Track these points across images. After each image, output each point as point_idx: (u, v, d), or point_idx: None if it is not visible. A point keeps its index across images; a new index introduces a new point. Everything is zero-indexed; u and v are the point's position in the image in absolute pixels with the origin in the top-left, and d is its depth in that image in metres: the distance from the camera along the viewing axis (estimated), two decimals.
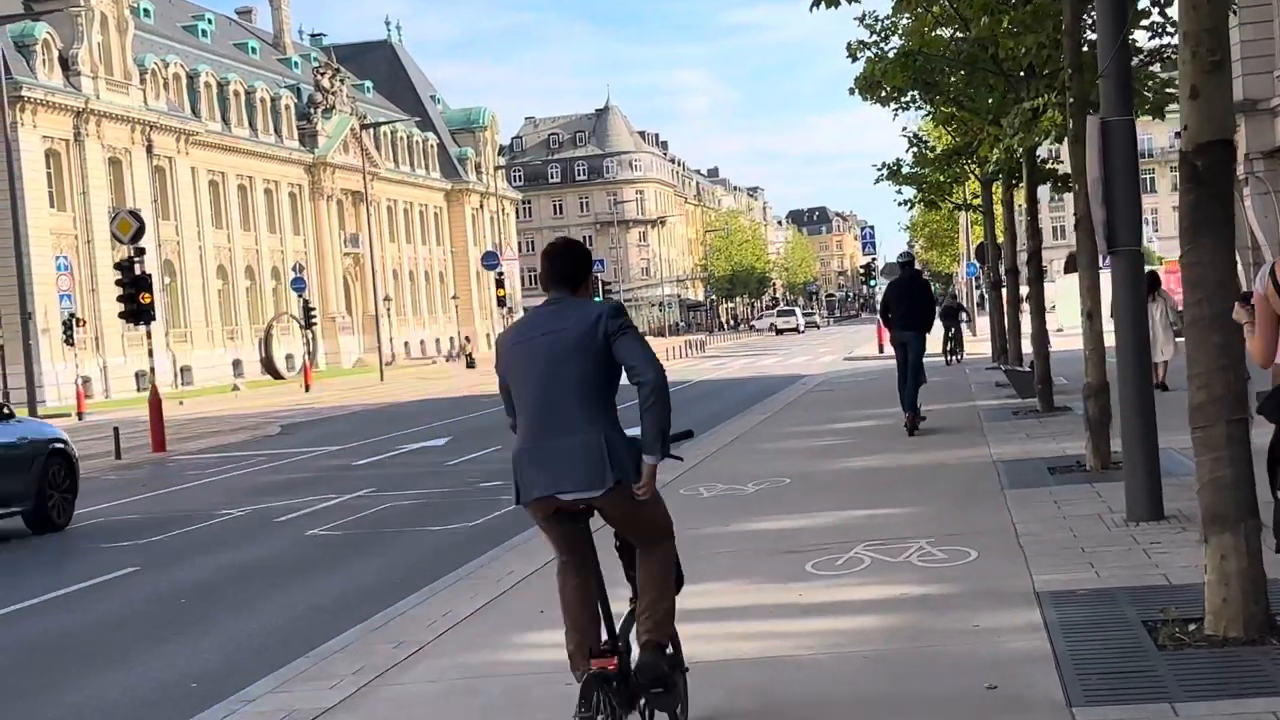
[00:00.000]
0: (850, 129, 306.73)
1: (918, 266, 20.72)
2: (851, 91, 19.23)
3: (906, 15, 22.15)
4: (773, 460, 15.33)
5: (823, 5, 15.57)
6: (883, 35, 19.17)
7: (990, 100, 18.21)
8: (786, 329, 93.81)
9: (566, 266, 5.03)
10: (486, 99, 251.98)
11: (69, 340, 42.20)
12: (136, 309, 24.04)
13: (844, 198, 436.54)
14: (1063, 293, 42.42)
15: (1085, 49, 12.47)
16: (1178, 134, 6.28)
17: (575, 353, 4.91)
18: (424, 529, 12.94)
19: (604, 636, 5.04)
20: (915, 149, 25.90)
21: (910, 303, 16.85)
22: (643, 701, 5.11)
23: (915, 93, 24.96)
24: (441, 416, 29.82)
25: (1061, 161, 24.94)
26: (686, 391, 33.69)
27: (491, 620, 7.95)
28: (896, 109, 26.09)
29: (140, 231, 24.68)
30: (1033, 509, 10.10)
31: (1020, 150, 15.99)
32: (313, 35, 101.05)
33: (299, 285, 58.48)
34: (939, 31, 17.88)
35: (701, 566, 8.32)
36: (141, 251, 24.71)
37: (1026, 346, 26.21)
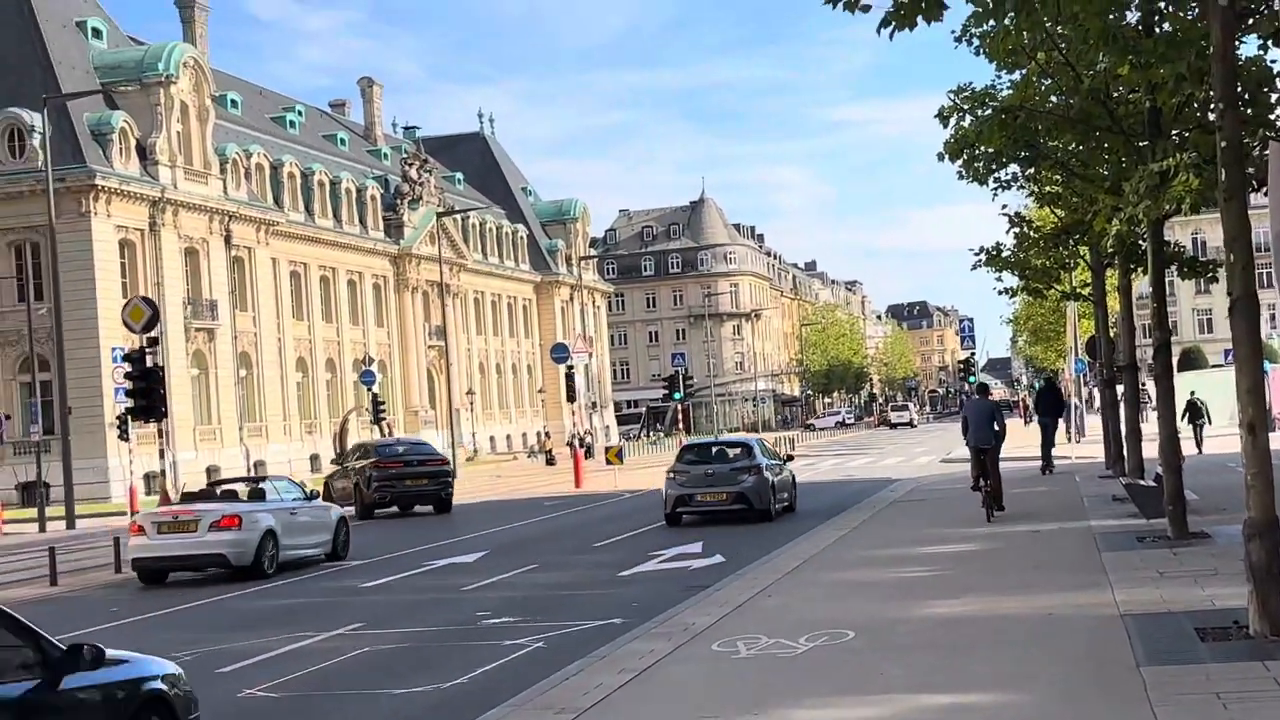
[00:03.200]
0: (953, 223, 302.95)
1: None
2: (941, 157, 16.57)
3: (1004, 74, 19.47)
4: (838, 599, 12.45)
5: (893, 27, 13.08)
6: (979, 103, 16.41)
7: (1107, 165, 15.36)
8: (900, 423, 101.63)
9: None
10: (583, 194, 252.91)
11: (123, 435, 40.45)
12: (147, 405, 21.75)
13: (946, 293, 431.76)
14: (1179, 391, 38.84)
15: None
16: None
17: None
18: (381, 692, 10.24)
19: None
20: (1017, 229, 23.00)
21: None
22: None
23: (1015, 168, 22.35)
24: (491, 523, 27.20)
25: (1183, 247, 21.97)
26: None
27: None
28: (996, 187, 23.47)
29: (154, 320, 22.54)
30: (1186, 708, 7.15)
31: (1145, 222, 13.08)
32: (405, 128, 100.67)
33: (369, 378, 56.50)
34: (1043, 82, 15.10)
35: None
36: (155, 342, 22.55)
37: (1147, 451, 23.13)
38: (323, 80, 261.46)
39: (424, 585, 17.36)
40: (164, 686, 7.51)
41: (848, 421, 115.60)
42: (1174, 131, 14.26)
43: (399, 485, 30.44)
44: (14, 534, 35.28)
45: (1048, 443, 30.25)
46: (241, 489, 20.18)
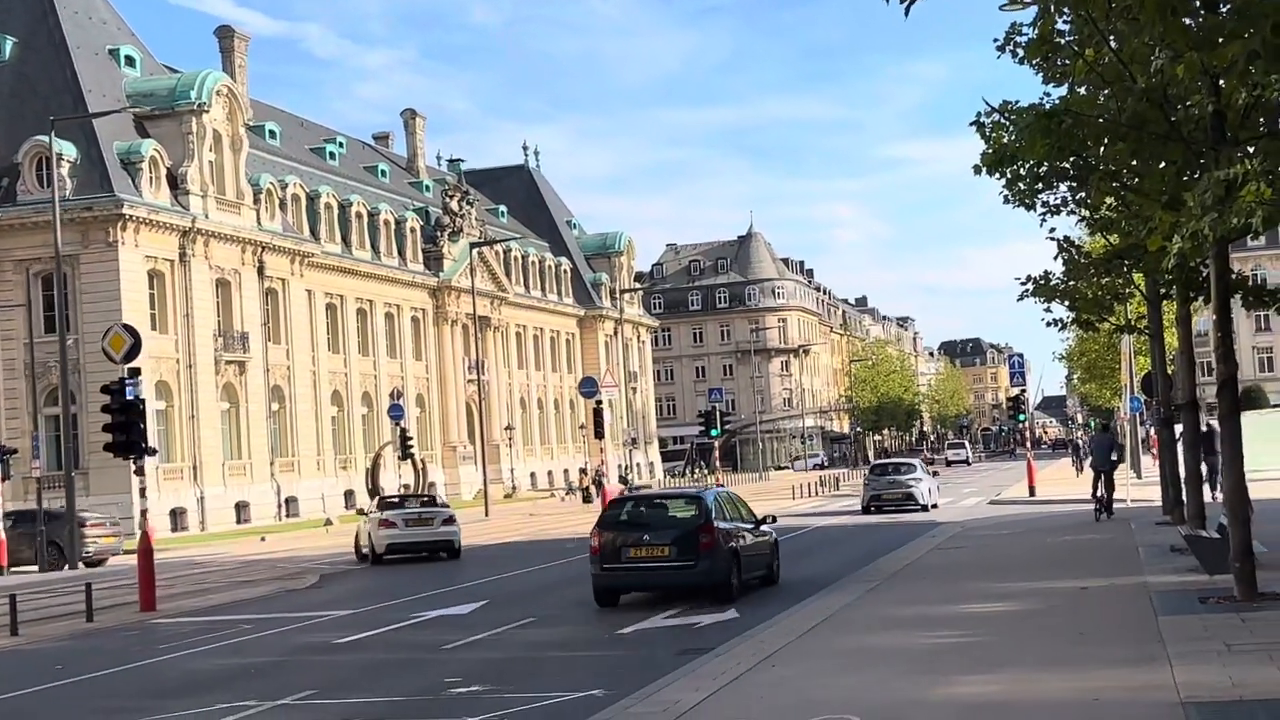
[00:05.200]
0: (1009, 262, 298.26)
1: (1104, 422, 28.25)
2: (978, 170, 14.89)
3: (1051, 87, 17.84)
4: (851, 671, 10.74)
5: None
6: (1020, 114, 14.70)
7: (1164, 178, 13.62)
8: (956, 460, 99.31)
9: None
10: (635, 230, 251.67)
11: (139, 471, 38.90)
12: (126, 441, 20.30)
13: (1000, 331, 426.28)
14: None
15: None
16: None
17: None
18: None
19: None
20: (1065, 254, 21.22)
21: (1103, 450, 27.59)
22: None
23: (1065, 190, 20.62)
24: (504, 568, 25.60)
25: (1246, 276, 20.08)
26: (795, 543, 28.89)
27: None
28: (1044, 212, 21.76)
29: (135, 349, 21.01)
30: None
31: (1211, 238, 11.33)
32: (450, 160, 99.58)
33: (397, 413, 55.06)
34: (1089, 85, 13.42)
35: None
36: (136, 373, 21.06)
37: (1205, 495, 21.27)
38: (379, 117, 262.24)
39: (403, 642, 15.75)
40: None
41: (968, 460, 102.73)
42: (1241, 139, 12.54)
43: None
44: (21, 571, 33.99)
45: (1108, 486, 28.13)
46: None
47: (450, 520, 30.13)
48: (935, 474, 44.33)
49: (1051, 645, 11.46)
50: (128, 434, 20.07)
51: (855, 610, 14.90)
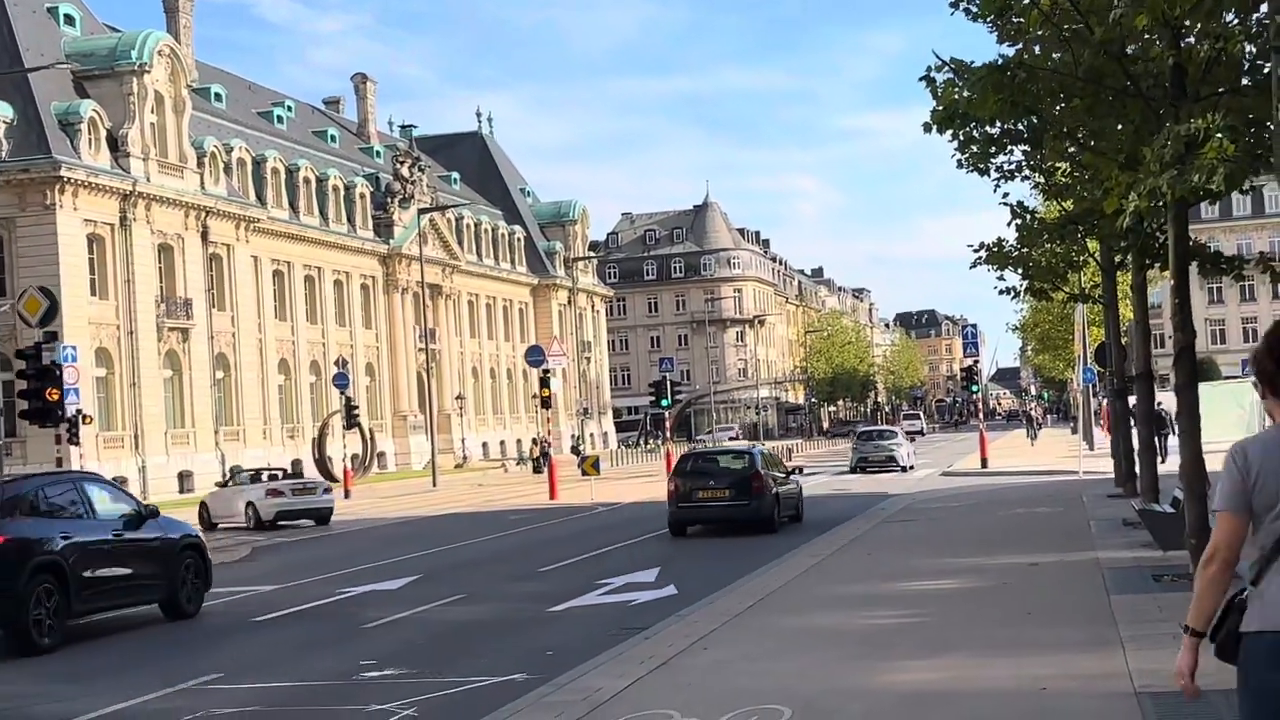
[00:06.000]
0: (965, 233, 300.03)
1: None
2: (928, 129, 14.23)
3: (1006, 45, 17.17)
4: (786, 655, 10.10)
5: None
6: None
7: (1121, 137, 13.00)
8: (911, 431, 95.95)
9: None
10: (592, 200, 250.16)
11: (73, 439, 37.94)
12: (42, 407, 19.41)
13: (956, 303, 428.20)
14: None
15: None
16: None
17: None
18: None
19: None
20: (1019, 220, 20.64)
21: None
22: None
23: (1020, 155, 20.05)
24: (441, 540, 24.90)
25: (1204, 245, 19.54)
26: None
27: None
28: (999, 177, 21.17)
29: (52, 312, 20.11)
30: None
31: (1170, 196, 10.71)
32: (402, 126, 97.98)
33: (341, 382, 53.95)
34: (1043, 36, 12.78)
35: None
36: (53, 336, 20.14)
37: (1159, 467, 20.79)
38: (335, 84, 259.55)
39: (325, 618, 15.03)
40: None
41: (923, 431, 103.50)
42: (1202, 95, 11.94)
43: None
44: None
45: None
46: None
47: (328, 490, 34.75)
48: (913, 439, 51.88)
49: (1000, 627, 10.89)
50: (44, 400, 19.17)
51: (797, 587, 14.30)
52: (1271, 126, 12.35)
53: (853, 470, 43.37)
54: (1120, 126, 12.96)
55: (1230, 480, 4.13)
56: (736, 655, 10.27)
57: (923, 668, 9.36)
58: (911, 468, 43.53)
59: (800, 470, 27.53)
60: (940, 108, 13.80)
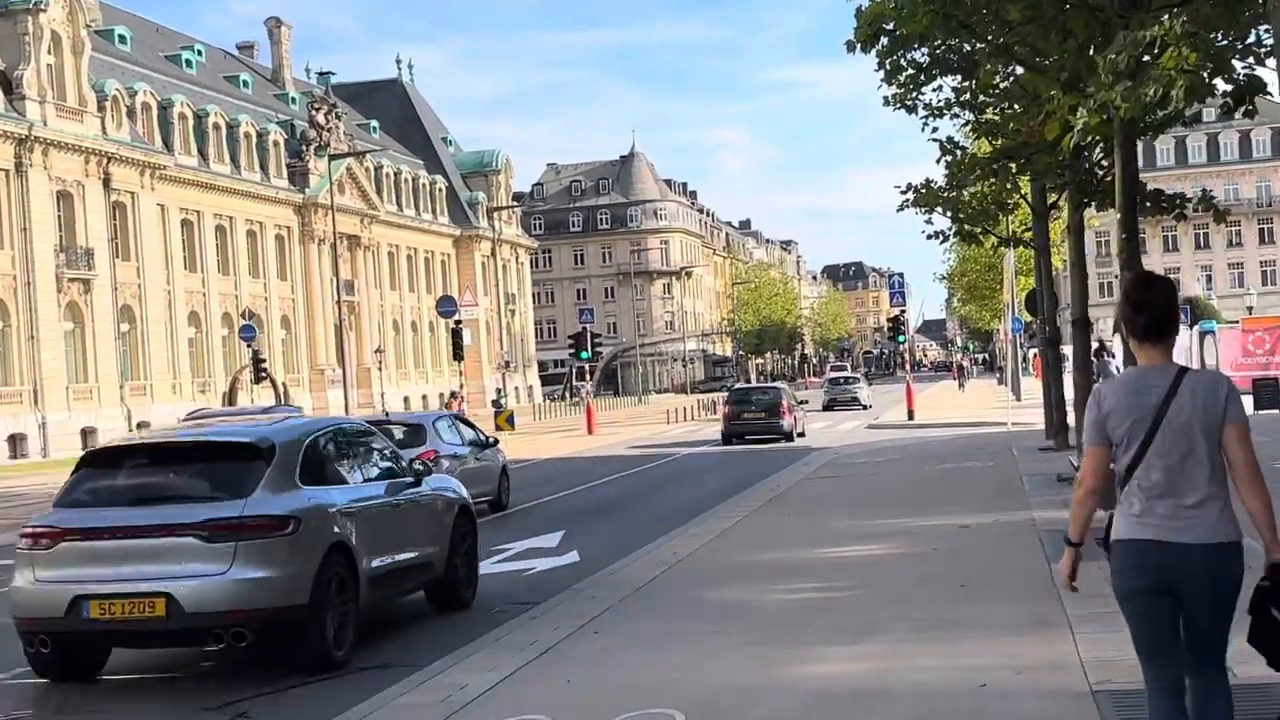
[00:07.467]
0: (892, 183, 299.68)
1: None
2: (851, 47, 12.87)
3: None
4: (687, 642, 8.75)
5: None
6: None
7: (1063, 51, 11.69)
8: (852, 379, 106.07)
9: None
10: (520, 154, 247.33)
11: None
12: None
13: (883, 255, 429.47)
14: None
15: None
16: None
17: None
18: None
19: None
20: (949, 156, 19.38)
21: None
22: None
23: (949, 91, 18.77)
24: None
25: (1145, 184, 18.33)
26: (654, 472, 27.04)
27: None
28: (927, 115, 19.92)
29: None
30: None
31: (1123, 111, 9.39)
32: (320, 73, 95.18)
33: (248, 334, 51.95)
34: None
35: None
36: None
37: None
38: (254, 32, 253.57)
39: None
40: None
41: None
42: (1154, 6, 10.64)
43: None
44: None
45: None
46: None
47: None
48: (870, 383, 67.52)
49: (929, 603, 9.63)
50: None
51: (704, 556, 12.98)
52: (1232, 39, 11.09)
53: (825, 409, 51.61)
54: (1065, 42, 11.64)
55: (1090, 419, 4.78)
56: (628, 641, 8.91)
57: (840, 657, 8.07)
58: (870, 406, 51.48)
59: (804, 402, 40.77)
60: (865, 23, 12.44)
